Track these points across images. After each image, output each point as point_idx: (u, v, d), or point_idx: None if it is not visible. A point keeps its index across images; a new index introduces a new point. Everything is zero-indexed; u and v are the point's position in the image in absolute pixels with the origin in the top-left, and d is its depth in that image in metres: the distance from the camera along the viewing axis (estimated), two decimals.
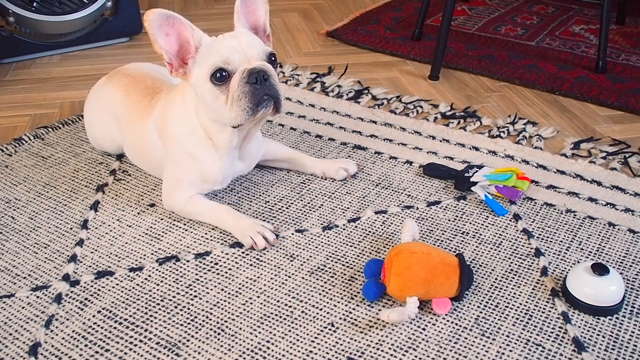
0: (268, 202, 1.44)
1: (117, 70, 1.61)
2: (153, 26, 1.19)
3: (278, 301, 1.16)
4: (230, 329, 1.10)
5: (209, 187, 1.40)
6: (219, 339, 1.08)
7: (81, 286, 1.20)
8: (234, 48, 1.23)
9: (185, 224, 1.37)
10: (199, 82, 1.25)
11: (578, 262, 1.24)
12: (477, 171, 1.47)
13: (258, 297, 1.17)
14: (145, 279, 1.22)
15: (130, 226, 1.37)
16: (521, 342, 1.07)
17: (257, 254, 1.27)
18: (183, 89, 1.34)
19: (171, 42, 1.23)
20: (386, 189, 1.48)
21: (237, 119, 1.24)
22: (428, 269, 1.11)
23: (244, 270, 1.23)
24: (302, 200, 1.44)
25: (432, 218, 1.38)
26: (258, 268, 1.24)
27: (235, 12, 1.30)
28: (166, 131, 1.37)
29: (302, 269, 1.23)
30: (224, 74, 1.22)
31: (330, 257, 1.27)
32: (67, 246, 1.31)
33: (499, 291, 1.18)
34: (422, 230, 1.33)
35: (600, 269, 1.12)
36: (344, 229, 1.35)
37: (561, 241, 1.31)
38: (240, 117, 1.23)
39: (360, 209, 1.41)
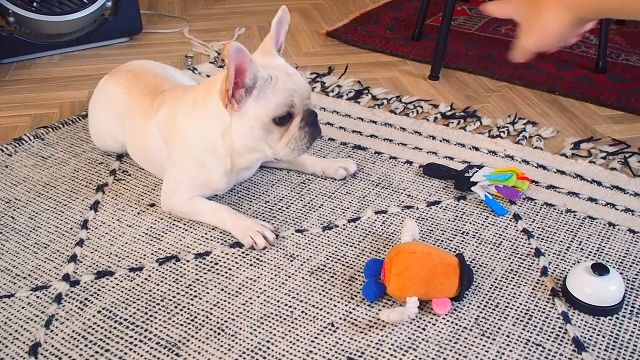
0: (268, 202, 1.44)
1: (119, 67, 1.60)
2: (233, 61, 1.15)
3: (278, 301, 1.16)
4: (230, 329, 1.10)
5: (210, 193, 1.40)
6: (219, 339, 1.08)
7: (81, 286, 1.20)
8: (294, 90, 1.25)
9: (185, 224, 1.37)
10: (254, 116, 1.23)
11: (578, 262, 1.24)
12: (477, 171, 1.47)
13: (258, 297, 1.17)
14: (145, 279, 1.22)
15: (130, 226, 1.37)
16: (521, 342, 1.07)
17: (257, 254, 1.27)
18: (204, 104, 1.30)
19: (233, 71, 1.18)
20: (386, 189, 1.48)
21: (290, 155, 1.28)
22: (428, 269, 1.11)
23: (244, 270, 1.23)
24: (302, 200, 1.44)
25: (432, 218, 1.38)
26: (258, 268, 1.24)
27: (270, 37, 1.30)
28: (174, 136, 1.35)
29: (302, 269, 1.23)
30: (285, 115, 1.24)
31: (330, 257, 1.27)
32: (67, 246, 1.31)
33: (499, 291, 1.18)
34: (422, 230, 1.33)
35: (600, 269, 1.12)
36: (344, 229, 1.35)
37: (561, 241, 1.31)
38: (294, 154, 1.28)
39: (360, 209, 1.41)
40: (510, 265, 1.24)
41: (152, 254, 1.28)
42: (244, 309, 1.14)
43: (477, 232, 1.33)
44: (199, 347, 1.07)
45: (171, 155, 1.37)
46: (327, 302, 1.15)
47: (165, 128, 1.37)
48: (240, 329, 1.10)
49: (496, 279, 1.21)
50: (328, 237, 1.32)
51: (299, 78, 1.27)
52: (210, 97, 1.29)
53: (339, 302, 1.15)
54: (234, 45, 1.13)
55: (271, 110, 1.23)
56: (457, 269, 1.13)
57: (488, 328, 1.10)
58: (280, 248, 1.29)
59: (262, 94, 1.22)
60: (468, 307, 1.14)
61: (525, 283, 1.19)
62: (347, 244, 1.30)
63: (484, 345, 1.06)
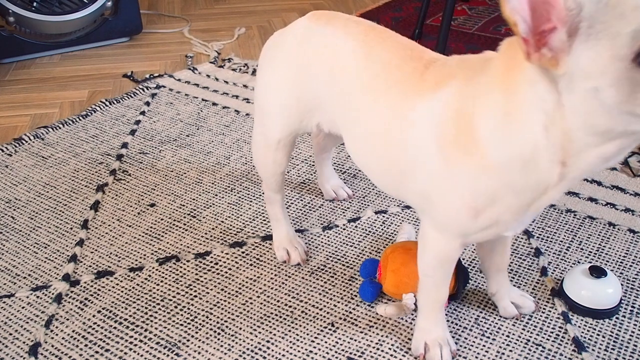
0: None
1: (334, 14, 1.09)
2: None
3: (278, 301, 1.16)
4: (230, 329, 1.10)
5: (496, 233, 0.92)
6: (219, 339, 1.08)
7: (81, 286, 1.20)
8: None
9: (185, 224, 1.37)
10: (596, 66, 0.69)
11: (578, 262, 1.24)
12: None
13: (258, 297, 1.17)
14: (145, 279, 1.22)
15: (130, 226, 1.37)
16: (521, 342, 1.07)
17: (257, 254, 1.27)
18: (509, 82, 0.80)
19: (523, 1, 0.69)
20: None
21: None
22: None
23: (244, 270, 1.23)
24: (302, 200, 1.44)
25: None
26: (258, 268, 1.24)
27: None
28: (463, 142, 0.84)
29: (302, 269, 1.23)
30: None
31: (330, 257, 1.27)
32: (67, 246, 1.31)
33: None
34: None
35: (597, 272, 1.11)
36: (344, 229, 1.35)
37: (561, 241, 1.30)
38: None
39: (360, 209, 1.41)
40: (510, 265, 1.24)
41: (152, 254, 1.28)
42: (244, 309, 1.14)
43: None
44: (199, 347, 1.07)
45: (454, 174, 0.87)
46: (327, 302, 1.15)
47: (448, 124, 0.86)
48: (240, 329, 1.10)
49: None
50: (328, 237, 1.32)
51: None
52: (516, 68, 0.79)
53: (339, 302, 1.16)
54: None
55: (627, 44, 0.67)
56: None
57: (488, 328, 1.10)
58: None
59: (599, 27, 0.69)
60: (468, 307, 1.14)
61: (525, 283, 1.19)
62: (347, 244, 1.30)
63: (484, 345, 1.06)
